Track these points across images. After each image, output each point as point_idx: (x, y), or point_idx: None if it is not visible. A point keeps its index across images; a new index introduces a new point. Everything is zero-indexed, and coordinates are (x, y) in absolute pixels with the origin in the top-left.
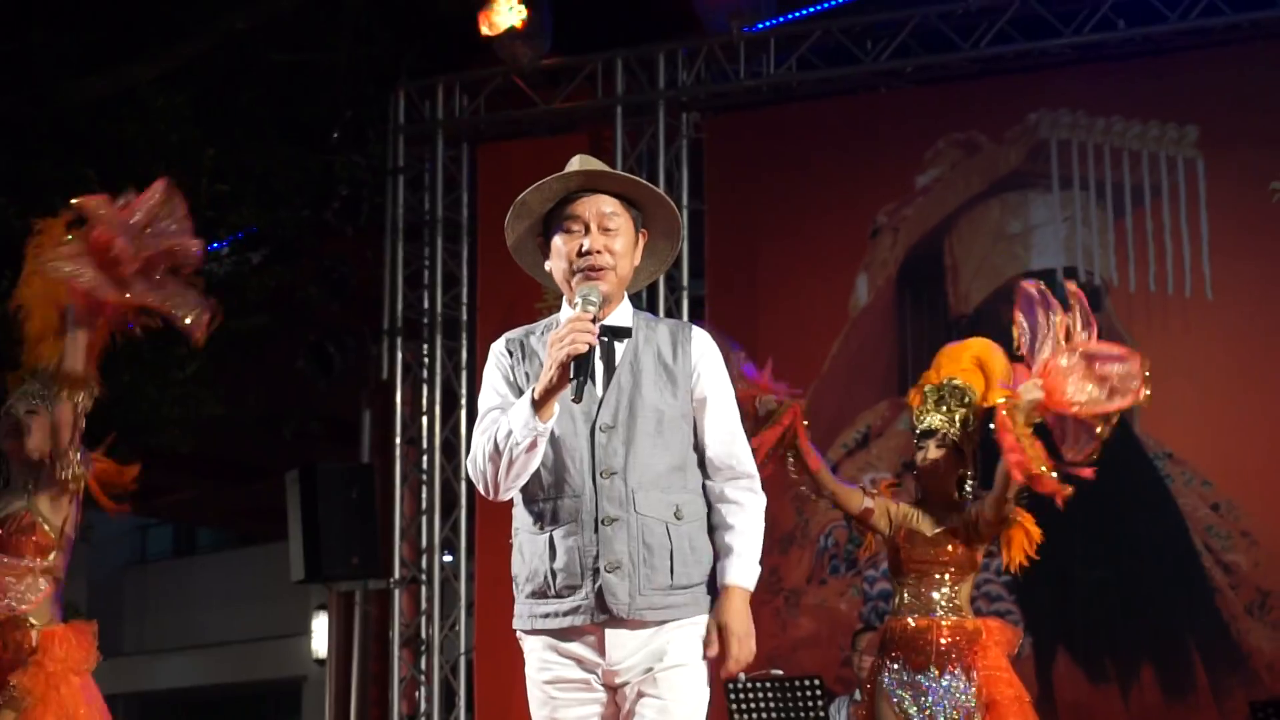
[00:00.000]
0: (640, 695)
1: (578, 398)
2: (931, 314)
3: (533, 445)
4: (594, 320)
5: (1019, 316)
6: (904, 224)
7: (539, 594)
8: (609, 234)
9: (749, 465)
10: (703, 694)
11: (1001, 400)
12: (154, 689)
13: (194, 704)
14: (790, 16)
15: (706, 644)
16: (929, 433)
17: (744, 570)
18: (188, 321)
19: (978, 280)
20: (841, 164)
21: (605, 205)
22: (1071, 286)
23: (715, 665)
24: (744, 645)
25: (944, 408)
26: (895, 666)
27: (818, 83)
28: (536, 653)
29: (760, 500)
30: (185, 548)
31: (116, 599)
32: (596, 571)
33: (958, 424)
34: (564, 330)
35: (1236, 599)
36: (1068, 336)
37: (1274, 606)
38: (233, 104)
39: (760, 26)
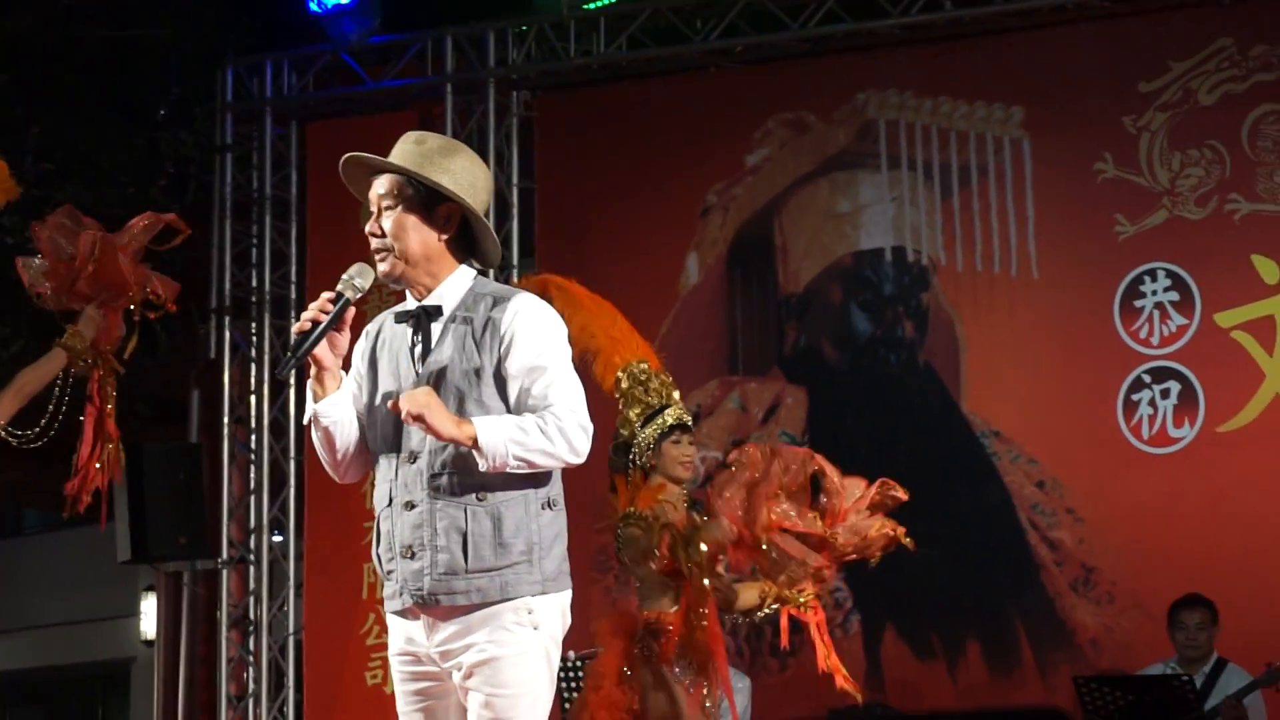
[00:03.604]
0: (465, 689)
1: (280, 372)
2: (761, 293)
3: (317, 426)
4: (337, 298)
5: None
6: (734, 203)
7: (381, 576)
8: (384, 214)
9: (571, 405)
10: (526, 683)
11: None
12: None
13: (21, 686)
14: None
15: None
16: (684, 427)
17: (487, 420)
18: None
19: (807, 260)
20: (671, 143)
21: (380, 186)
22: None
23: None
24: (413, 399)
25: (666, 400)
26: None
27: (648, 62)
28: (390, 627)
29: (573, 425)
30: (12, 528)
31: None
32: (401, 555)
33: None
34: None
35: (1061, 575)
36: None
37: (1098, 583)
38: (57, 82)
39: (590, 5)
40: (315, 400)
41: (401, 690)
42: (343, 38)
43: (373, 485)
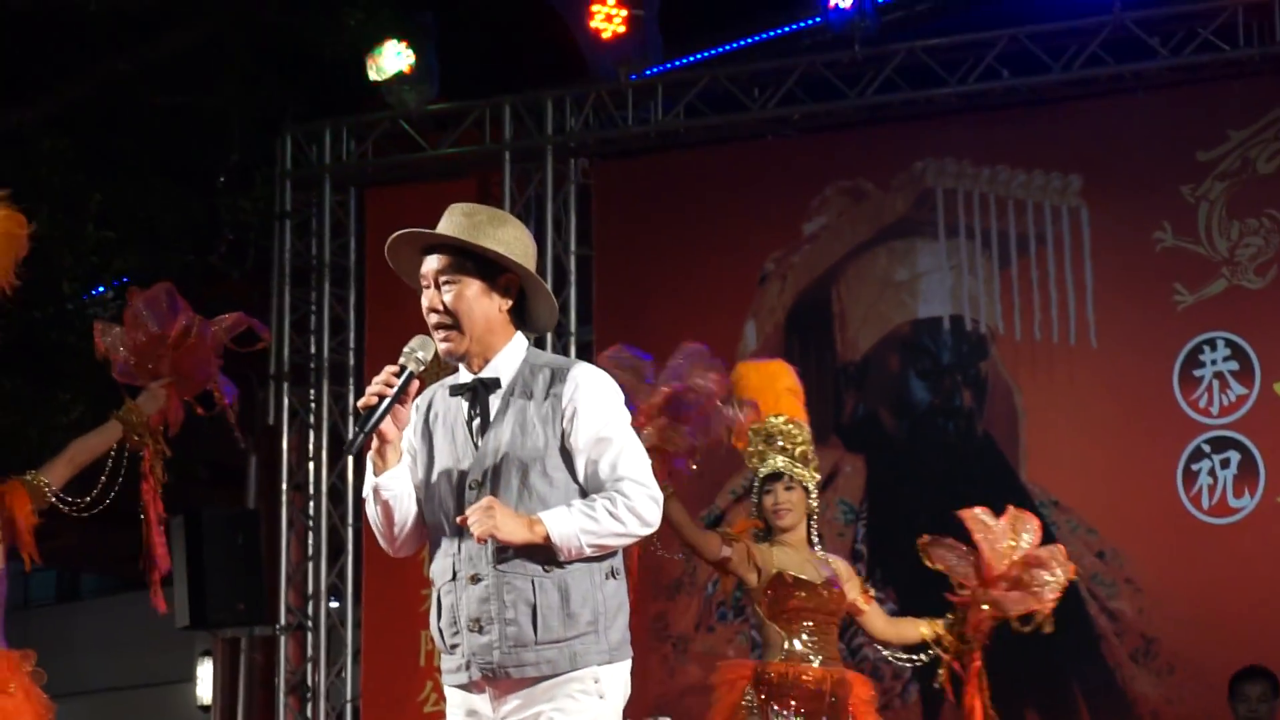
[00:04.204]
0: None
1: (349, 449)
2: (819, 361)
3: (377, 499)
4: (401, 371)
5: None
6: (792, 271)
7: (441, 649)
8: (446, 289)
9: (639, 477)
10: None
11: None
12: None
13: None
14: (677, 63)
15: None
16: (775, 476)
17: (557, 512)
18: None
19: (865, 327)
20: (729, 210)
21: (436, 261)
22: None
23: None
24: (488, 514)
25: (781, 447)
26: (784, 712)
27: (705, 129)
28: (449, 697)
29: (643, 499)
30: (68, 593)
31: None
32: (467, 629)
33: (801, 463)
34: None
35: (1121, 646)
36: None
37: (1158, 653)
38: (117, 148)
39: (648, 73)
40: (376, 474)
41: None
42: (402, 105)
43: (429, 555)
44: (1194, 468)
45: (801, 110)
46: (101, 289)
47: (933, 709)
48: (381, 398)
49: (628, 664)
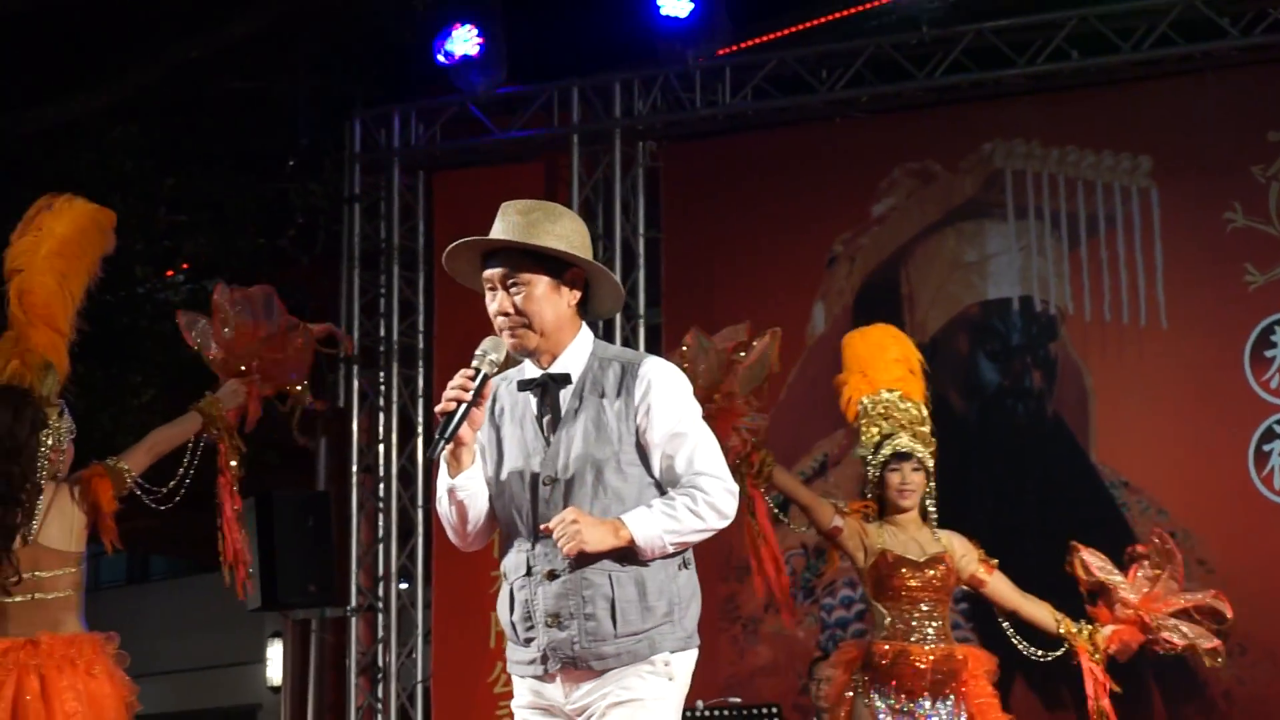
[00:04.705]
0: None
1: (432, 454)
2: None
3: (452, 500)
4: (476, 373)
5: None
6: (860, 253)
7: (510, 641)
8: (514, 291)
9: (715, 471)
10: None
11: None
12: None
13: None
14: (745, 46)
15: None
16: (904, 455)
17: (638, 514)
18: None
19: (934, 309)
20: (797, 193)
21: (500, 265)
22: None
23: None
24: (574, 528)
25: (901, 425)
26: (886, 691)
27: (773, 112)
28: (516, 684)
29: (721, 493)
30: (138, 575)
31: None
32: (544, 624)
33: (923, 444)
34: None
35: None
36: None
37: (1229, 634)
38: (187, 133)
39: (716, 56)
40: (451, 475)
41: None
42: (470, 88)
43: (501, 548)
44: (1265, 448)
45: (869, 92)
46: (171, 273)
47: (1003, 686)
48: (459, 403)
49: (695, 653)
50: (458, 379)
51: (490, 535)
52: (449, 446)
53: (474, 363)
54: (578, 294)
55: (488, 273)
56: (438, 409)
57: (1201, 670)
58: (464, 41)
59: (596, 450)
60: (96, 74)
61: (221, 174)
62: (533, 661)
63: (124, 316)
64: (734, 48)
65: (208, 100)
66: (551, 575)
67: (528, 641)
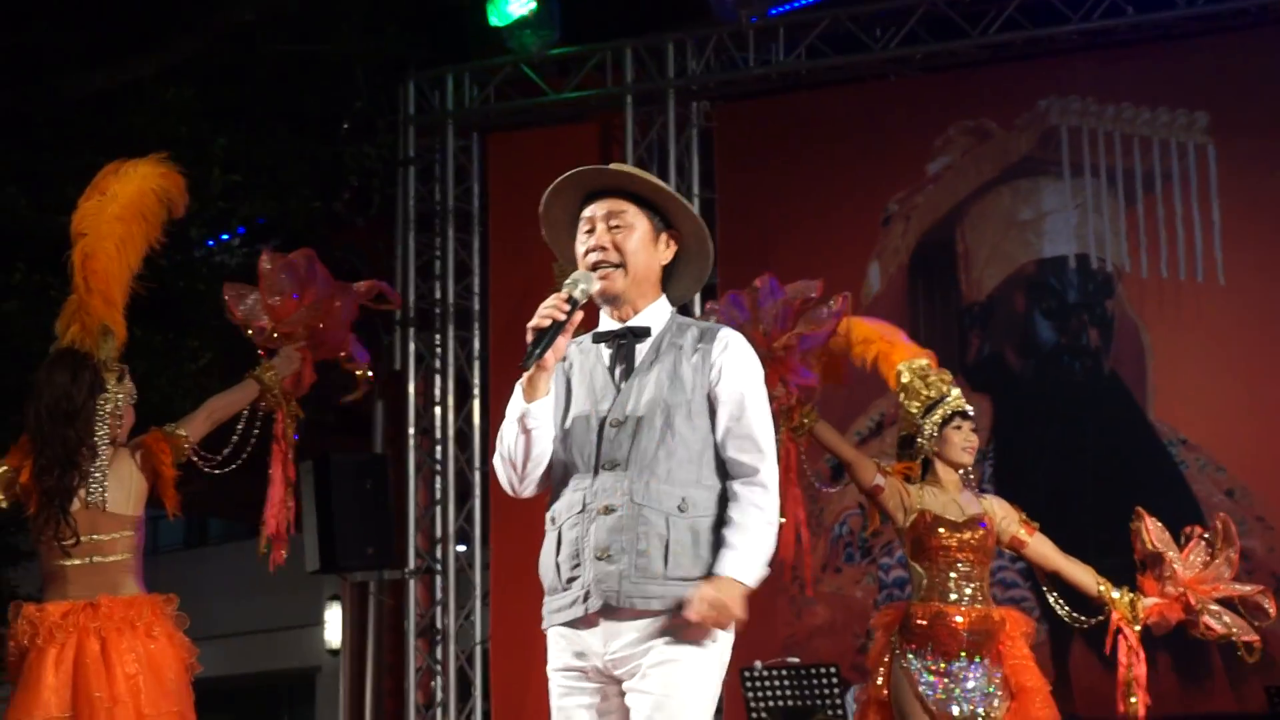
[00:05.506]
0: (635, 691)
1: (525, 365)
2: (944, 302)
3: (523, 427)
4: (569, 300)
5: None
6: (915, 212)
7: (551, 590)
8: (615, 230)
9: (764, 465)
10: (700, 689)
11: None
12: None
13: (207, 695)
14: (799, 4)
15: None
16: (964, 414)
17: (737, 562)
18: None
19: (990, 267)
20: (852, 152)
21: (608, 203)
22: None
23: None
24: (712, 604)
25: (949, 385)
26: (923, 652)
27: (827, 70)
28: (552, 644)
29: (770, 500)
30: (196, 539)
31: None
32: (593, 558)
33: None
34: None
35: (1252, 584)
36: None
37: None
38: (241, 96)
39: (770, 14)
40: (526, 400)
41: (559, 704)
42: (523, 50)
43: (554, 495)
44: None
45: (924, 50)
46: (227, 235)
47: (1061, 647)
48: (553, 320)
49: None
50: (551, 300)
51: (544, 484)
52: (531, 369)
53: (565, 289)
54: (670, 255)
55: (590, 209)
56: (530, 324)
57: (1260, 629)
58: (518, 2)
59: (669, 397)
60: (150, 37)
61: (276, 137)
62: (573, 603)
63: (180, 280)
64: (788, 6)
65: (262, 63)
66: (608, 510)
67: (570, 582)
